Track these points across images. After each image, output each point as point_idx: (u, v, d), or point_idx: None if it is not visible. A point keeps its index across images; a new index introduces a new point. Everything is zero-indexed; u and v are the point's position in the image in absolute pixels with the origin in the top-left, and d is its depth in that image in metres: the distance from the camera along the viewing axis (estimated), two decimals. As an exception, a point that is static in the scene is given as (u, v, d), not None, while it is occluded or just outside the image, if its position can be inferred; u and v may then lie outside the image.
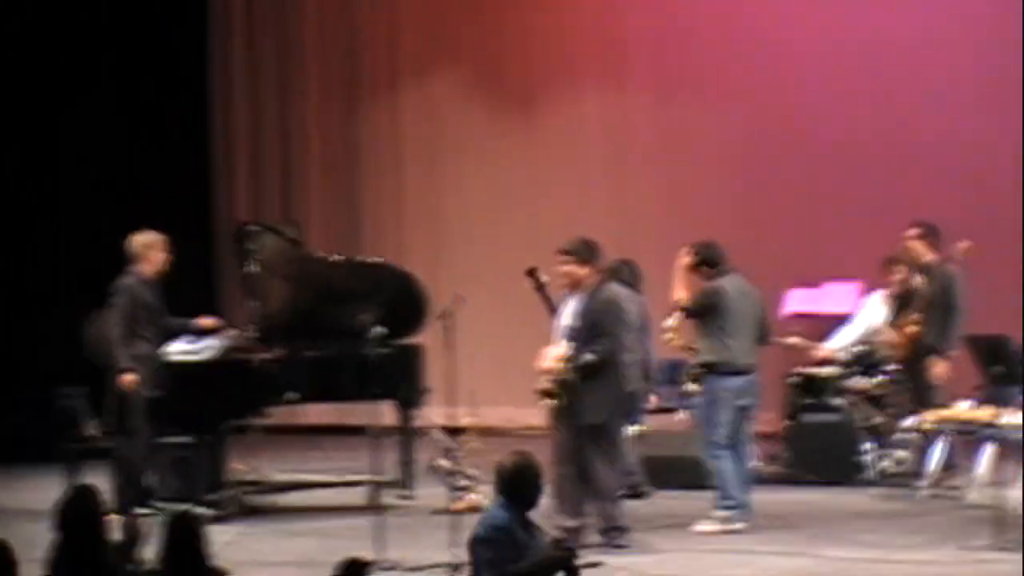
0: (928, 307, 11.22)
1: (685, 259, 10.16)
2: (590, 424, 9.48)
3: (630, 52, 14.92)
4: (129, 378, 10.62)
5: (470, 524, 7.84)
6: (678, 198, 14.55)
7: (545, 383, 9.47)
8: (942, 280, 11.21)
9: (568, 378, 9.40)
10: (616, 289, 9.76)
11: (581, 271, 9.48)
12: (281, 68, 16.06)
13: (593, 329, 9.43)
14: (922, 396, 11.11)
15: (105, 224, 14.59)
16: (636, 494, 10.86)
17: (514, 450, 7.21)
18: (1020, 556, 8.82)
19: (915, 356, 11.23)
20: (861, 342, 11.94)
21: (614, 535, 9.52)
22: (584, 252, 9.53)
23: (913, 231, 11.39)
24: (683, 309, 10.25)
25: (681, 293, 10.19)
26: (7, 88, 14.15)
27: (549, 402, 9.50)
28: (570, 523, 9.40)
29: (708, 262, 10.15)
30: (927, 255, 11.32)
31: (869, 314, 12.01)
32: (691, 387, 10.62)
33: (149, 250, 10.93)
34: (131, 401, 10.68)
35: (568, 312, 9.56)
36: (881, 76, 13.96)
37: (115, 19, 15.17)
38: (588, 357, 9.39)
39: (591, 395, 9.45)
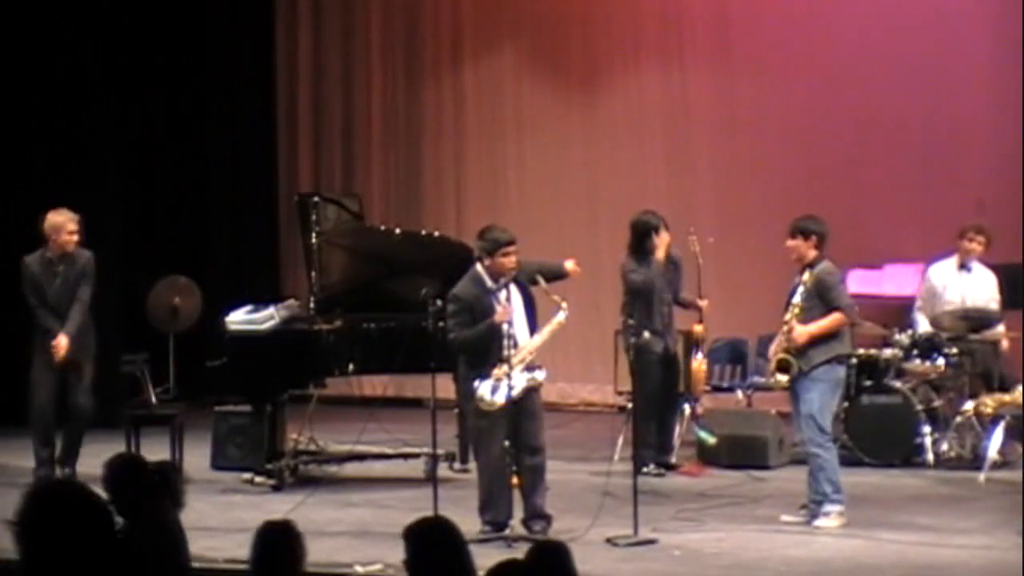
0: None
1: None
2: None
3: (691, 30, 14.85)
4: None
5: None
6: (739, 177, 14.49)
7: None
8: None
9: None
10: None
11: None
12: (345, 43, 16.09)
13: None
14: None
15: (170, 197, 14.71)
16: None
17: None
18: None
19: None
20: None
21: None
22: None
23: None
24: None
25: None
26: (78, 69, 14.25)
27: (781, 377, 9.61)
28: None
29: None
30: None
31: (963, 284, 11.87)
32: (781, 378, 9.78)
33: (51, 230, 11.16)
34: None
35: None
36: (947, 55, 13.82)
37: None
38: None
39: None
